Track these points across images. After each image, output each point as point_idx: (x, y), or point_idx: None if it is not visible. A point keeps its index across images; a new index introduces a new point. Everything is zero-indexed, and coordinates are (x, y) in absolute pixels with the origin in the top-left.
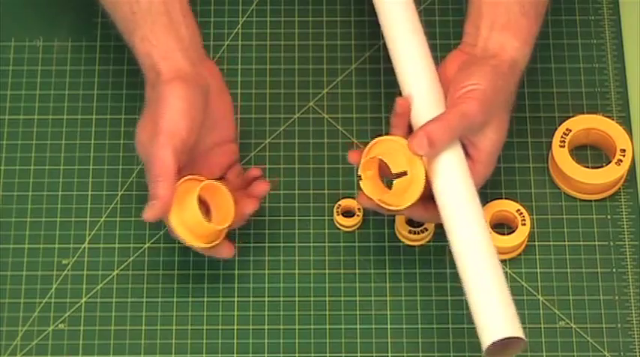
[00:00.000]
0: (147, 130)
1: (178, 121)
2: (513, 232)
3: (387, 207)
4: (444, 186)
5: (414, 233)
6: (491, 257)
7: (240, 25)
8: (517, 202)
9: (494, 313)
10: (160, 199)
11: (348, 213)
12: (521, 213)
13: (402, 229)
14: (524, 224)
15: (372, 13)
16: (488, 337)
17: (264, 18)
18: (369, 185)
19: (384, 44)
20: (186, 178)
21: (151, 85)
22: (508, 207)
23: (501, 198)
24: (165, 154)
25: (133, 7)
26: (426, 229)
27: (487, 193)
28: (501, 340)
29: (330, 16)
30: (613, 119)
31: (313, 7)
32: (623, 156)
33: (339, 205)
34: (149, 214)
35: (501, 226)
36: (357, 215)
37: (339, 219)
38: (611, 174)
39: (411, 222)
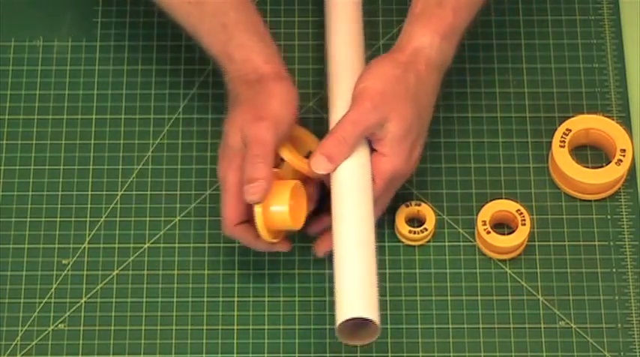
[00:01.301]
0: (242, 119)
1: (285, 112)
2: (513, 232)
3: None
4: (335, 179)
5: (414, 233)
6: (363, 245)
7: None
8: (517, 202)
9: (349, 293)
10: (264, 179)
11: None
12: (522, 213)
13: (402, 229)
14: (524, 224)
15: (372, 13)
16: (340, 316)
17: (265, 18)
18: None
19: (384, 44)
20: None
21: (249, 85)
22: (508, 207)
23: (501, 198)
24: (268, 135)
25: (222, 20)
26: (426, 229)
27: (487, 193)
28: (354, 321)
29: None
30: (613, 119)
31: (313, 7)
32: (623, 156)
33: None
34: (256, 195)
35: (501, 226)
36: None
37: None
38: (611, 174)
39: (411, 222)
